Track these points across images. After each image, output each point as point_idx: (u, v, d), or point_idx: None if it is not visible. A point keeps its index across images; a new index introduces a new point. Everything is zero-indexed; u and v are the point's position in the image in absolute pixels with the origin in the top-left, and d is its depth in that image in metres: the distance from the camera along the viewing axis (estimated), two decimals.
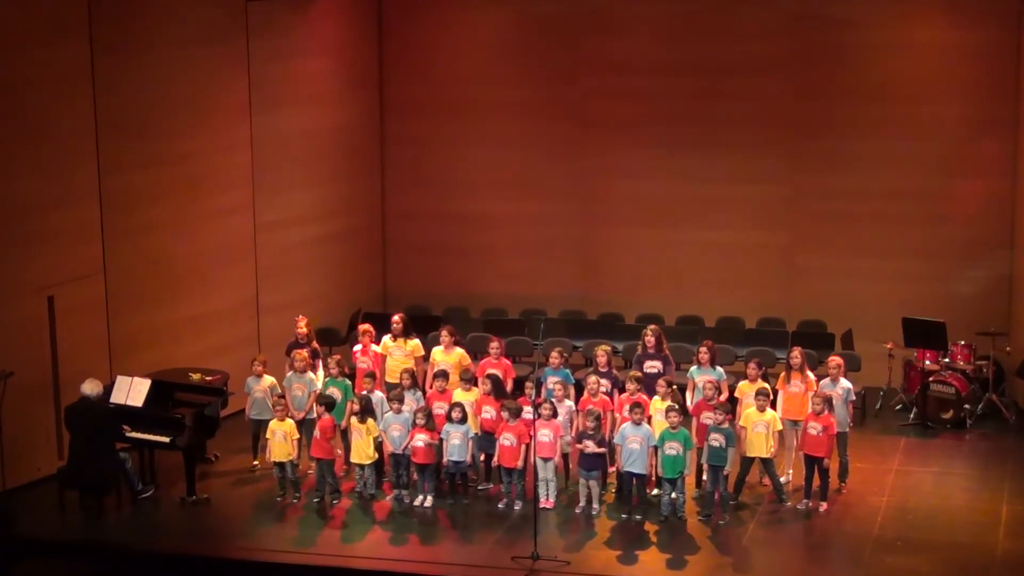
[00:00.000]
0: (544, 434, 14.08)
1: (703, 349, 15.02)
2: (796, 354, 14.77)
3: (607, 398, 14.66)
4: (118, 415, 14.42)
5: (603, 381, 14.77)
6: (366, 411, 14.43)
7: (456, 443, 14.24)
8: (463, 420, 14.29)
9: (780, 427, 14.24)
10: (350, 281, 19.48)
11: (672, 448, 13.86)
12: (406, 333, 15.80)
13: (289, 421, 14.54)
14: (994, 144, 17.87)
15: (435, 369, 15.24)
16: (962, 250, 18.07)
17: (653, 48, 19.00)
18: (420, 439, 14.21)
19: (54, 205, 14.90)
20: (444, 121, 19.81)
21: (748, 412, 14.26)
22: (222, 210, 17.17)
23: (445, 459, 14.36)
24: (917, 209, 18.14)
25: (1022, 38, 17.58)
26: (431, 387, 14.98)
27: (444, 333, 15.69)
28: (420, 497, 14.37)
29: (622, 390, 14.74)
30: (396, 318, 15.92)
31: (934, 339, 16.87)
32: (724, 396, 14.70)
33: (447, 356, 15.49)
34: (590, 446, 13.94)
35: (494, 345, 15.42)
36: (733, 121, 18.71)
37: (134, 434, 14.43)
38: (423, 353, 15.79)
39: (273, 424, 14.52)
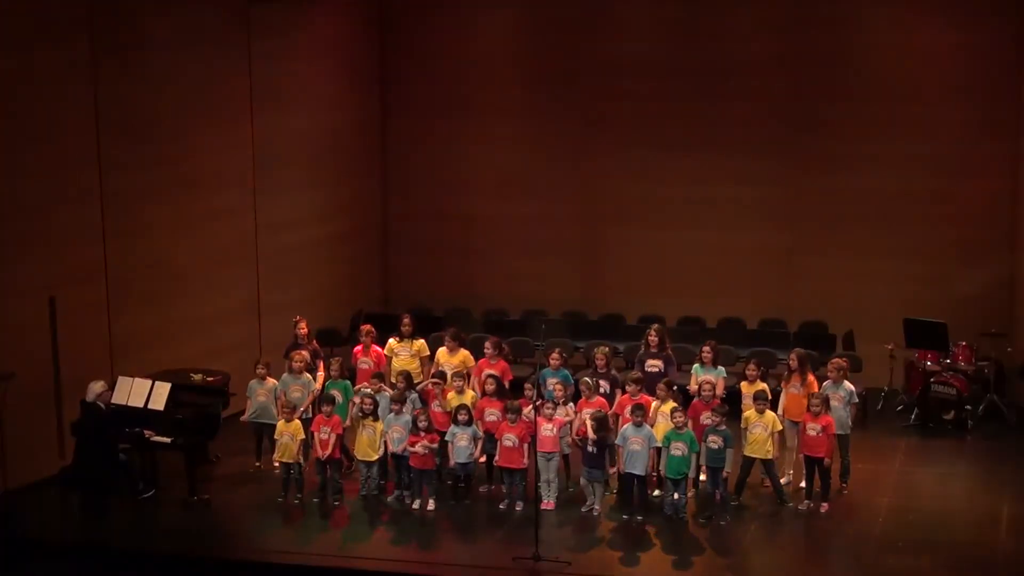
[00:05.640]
0: (547, 428, 14.07)
1: (706, 349, 15.03)
2: (793, 356, 14.75)
3: (604, 399, 14.64)
4: (124, 417, 14.39)
5: (602, 383, 14.79)
6: (376, 410, 14.44)
7: (462, 445, 14.22)
8: (469, 422, 14.26)
9: (780, 427, 14.22)
10: (351, 282, 19.50)
11: (678, 449, 13.84)
12: (414, 334, 15.80)
13: (296, 422, 14.52)
14: (995, 144, 17.89)
15: (436, 370, 15.24)
16: (963, 251, 18.09)
17: (653, 49, 19.02)
18: (419, 445, 14.16)
19: (54, 205, 14.89)
20: (445, 121, 19.84)
21: (747, 414, 14.25)
22: (223, 210, 17.18)
23: (452, 461, 14.33)
24: (918, 210, 18.16)
25: (1022, 38, 17.58)
26: (428, 387, 14.96)
27: (448, 336, 15.67)
28: (419, 501, 14.33)
29: (623, 390, 14.72)
30: (406, 320, 15.91)
31: (935, 340, 16.87)
32: (719, 392, 14.69)
33: (451, 357, 15.48)
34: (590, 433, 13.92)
35: (488, 345, 15.40)
36: (734, 122, 18.74)
37: (158, 438, 14.35)
38: (428, 353, 15.79)
39: (281, 425, 14.52)
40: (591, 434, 13.88)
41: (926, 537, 13.54)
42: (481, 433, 14.37)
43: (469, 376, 15.13)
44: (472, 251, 19.92)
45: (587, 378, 14.75)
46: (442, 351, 15.59)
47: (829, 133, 18.45)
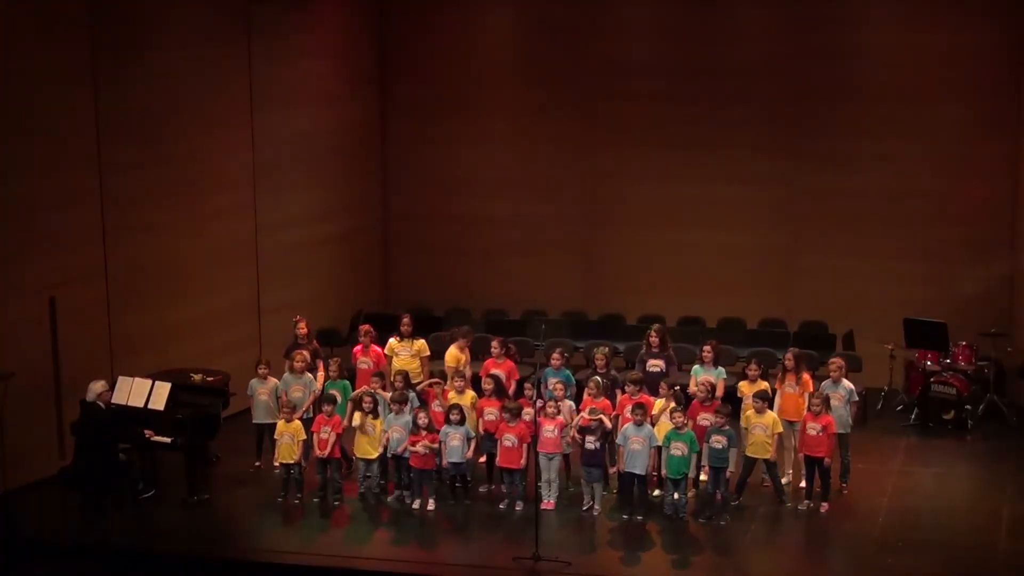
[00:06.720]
0: (548, 430, 14.07)
1: (707, 348, 15.04)
2: (789, 356, 14.74)
3: (608, 400, 14.64)
4: (124, 417, 14.39)
5: (603, 383, 14.79)
6: (376, 408, 14.44)
7: (455, 444, 14.21)
8: (462, 422, 14.26)
9: (780, 429, 14.21)
10: (351, 282, 19.49)
11: (678, 449, 13.84)
12: (414, 334, 15.81)
13: (297, 423, 14.53)
14: (994, 144, 17.89)
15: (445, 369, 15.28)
16: (963, 251, 18.09)
17: (654, 49, 19.03)
18: (419, 445, 14.16)
19: (55, 205, 14.88)
20: (445, 121, 19.83)
21: (748, 414, 14.25)
22: (223, 211, 17.17)
23: (445, 461, 14.33)
24: (918, 209, 18.16)
25: (1021, 38, 17.58)
26: (428, 387, 14.97)
27: (461, 337, 15.66)
28: (419, 501, 14.33)
29: (623, 390, 14.72)
30: (406, 320, 15.92)
31: (935, 340, 16.87)
32: (719, 393, 14.69)
33: (460, 356, 15.48)
34: (590, 441, 13.92)
35: (495, 344, 15.41)
36: (734, 122, 18.73)
37: (158, 438, 14.35)
38: (428, 353, 15.79)
39: (281, 425, 14.52)
40: (587, 416, 13.87)
41: (926, 537, 13.55)
42: (474, 433, 14.36)
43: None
44: (472, 251, 19.91)
45: (597, 377, 14.73)
46: (452, 351, 15.54)
47: (829, 133, 18.44)
